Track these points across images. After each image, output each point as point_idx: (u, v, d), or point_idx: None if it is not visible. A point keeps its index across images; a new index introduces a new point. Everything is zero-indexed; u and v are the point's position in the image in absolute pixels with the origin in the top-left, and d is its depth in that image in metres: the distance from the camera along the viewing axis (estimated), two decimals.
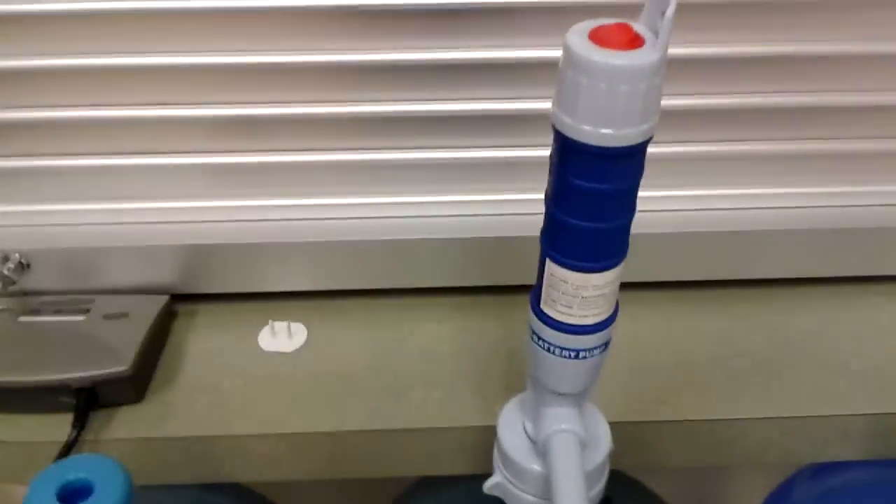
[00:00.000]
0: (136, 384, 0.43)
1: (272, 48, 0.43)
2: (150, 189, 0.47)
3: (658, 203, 0.48)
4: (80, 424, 0.41)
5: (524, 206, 0.48)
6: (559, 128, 0.26)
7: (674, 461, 0.44)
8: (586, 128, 0.25)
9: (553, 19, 0.43)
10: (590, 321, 0.30)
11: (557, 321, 0.30)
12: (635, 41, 0.24)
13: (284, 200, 0.48)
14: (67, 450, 0.40)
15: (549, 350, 0.31)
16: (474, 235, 0.47)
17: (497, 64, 0.44)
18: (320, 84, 0.45)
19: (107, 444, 0.42)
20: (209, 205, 0.48)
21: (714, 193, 0.49)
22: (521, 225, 0.47)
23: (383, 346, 0.47)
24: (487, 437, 0.42)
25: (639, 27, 0.25)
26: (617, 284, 0.30)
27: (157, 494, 0.39)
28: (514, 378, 0.45)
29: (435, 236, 0.47)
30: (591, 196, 0.27)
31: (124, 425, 0.42)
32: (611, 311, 0.31)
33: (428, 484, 0.46)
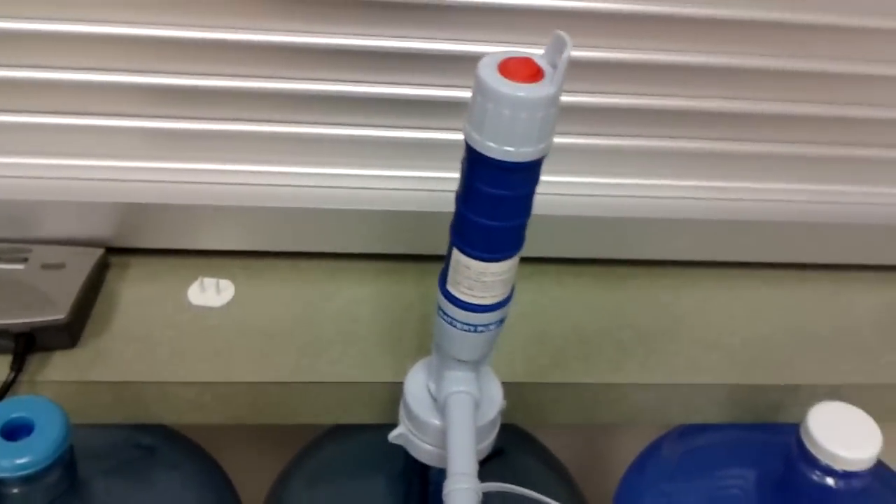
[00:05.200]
0: (71, 331, 0.46)
1: (209, 25, 0.46)
2: (86, 148, 0.50)
3: (563, 188, 0.53)
4: (17, 367, 0.44)
5: (442, 183, 0.52)
6: (469, 142, 0.30)
7: (563, 418, 0.50)
8: (491, 144, 0.29)
9: (478, 18, 0.47)
10: (488, 302, 0.35)
11: (461, 300, 0.35)
12: (537, 74, 0.28)
13: (217, 165, 0.51)
14: (6, 389, 0.43)
15: (452, 324, 0.36)
16: (395, 208, 0.51)
17: (427, 55, 0.48)
18: (257, 60, 0.47)
19: (42, 386, 0.45)
20: (144, 165, 0.51)
21: (613, 182, 0.54)
22: (439, 201, 0.51)
23: (306, 306, 0.51)
24: (396, 392, 0.47)
25: (541, 60, 0.29)
26: (513, 272, 0.35)
27: (89, 432, 0.43)
28: (425, 339, 0.49)
29: (359, 207, 0.51)
30: (493, 199, 0.31)
31: (59, 369, 0.45)
32: (506, 293, 0.35)
33: (338, 431, 0.50)
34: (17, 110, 0.48)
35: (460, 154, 0.47)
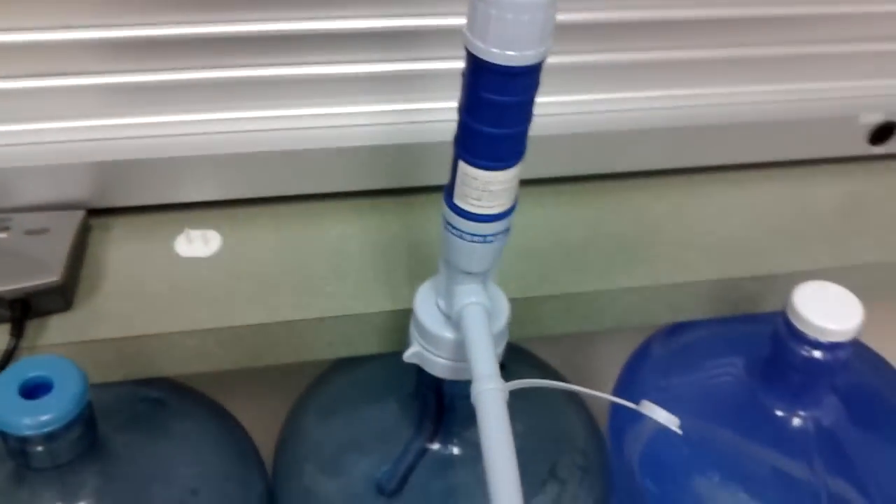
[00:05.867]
0: (65, 293, 0.45)
1: None
2: (55, 109, 0.49)
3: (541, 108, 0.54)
4: (17, 333, 0.43)
5: (419, 114, 0.52)
6: (472, 50, 0.31)
7: (557, 329, 0.52)
8: (494, 50, 0.30)
9: None
10: (496, 211, 0.36)
11: (468, 212, 0.36)
12: None
13: (189, 115, 0.51)
14: (8, 356, 0.43)
15: (461, 237, 0.37)
16: (372, 143, 0.52)
17: None
18: (221, 3, 0.47)
19: (44, 350, 0.44)
20: (116, 122, 0.50)
21: (578, 98, 0.56)
22: (417, 133, 0.52)
23: (295, 247, 0.51)
24: (395, 319, 0.48)
25: None
26: (517, 180, 0.36)
27: (94, 392, 0.43)
28: (417, 267, 0.50)
29: (335, 145, 0.51)
30: (498, 107, 0.32)
31: (58, 331, 0.45)
32: (512, 201, 0.36)
33: (343, 364, 0.51)
34: None
35: (435, 85, 0.48)
